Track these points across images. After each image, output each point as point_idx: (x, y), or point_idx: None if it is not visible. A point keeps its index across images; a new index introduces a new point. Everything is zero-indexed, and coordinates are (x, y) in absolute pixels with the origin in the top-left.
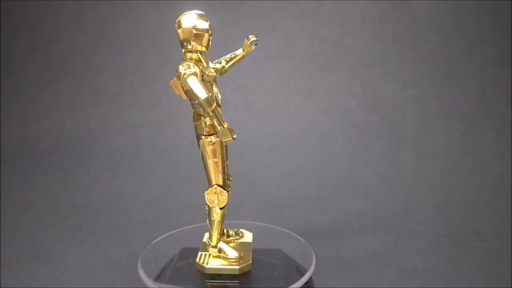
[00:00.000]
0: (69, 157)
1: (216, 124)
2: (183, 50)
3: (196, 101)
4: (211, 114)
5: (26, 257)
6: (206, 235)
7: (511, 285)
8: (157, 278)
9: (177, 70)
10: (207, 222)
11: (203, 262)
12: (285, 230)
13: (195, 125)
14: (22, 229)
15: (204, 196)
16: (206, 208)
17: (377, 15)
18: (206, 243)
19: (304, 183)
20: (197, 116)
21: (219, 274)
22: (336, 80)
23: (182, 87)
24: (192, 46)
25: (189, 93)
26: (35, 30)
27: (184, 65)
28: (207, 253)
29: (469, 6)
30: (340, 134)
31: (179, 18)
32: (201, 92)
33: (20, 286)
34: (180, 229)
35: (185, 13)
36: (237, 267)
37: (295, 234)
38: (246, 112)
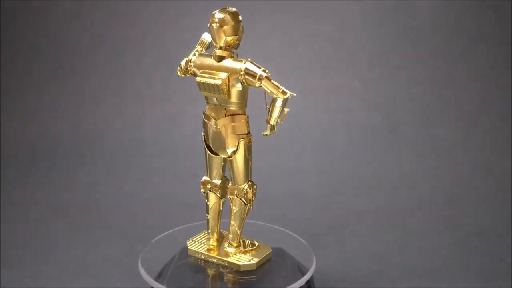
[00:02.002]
0: (70, 156)
1: (278, 119)
2: (222, 47)
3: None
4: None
5: (26, 256)
6: (201, 238)
7: None
8: (158, 277)
9: (247, 70)
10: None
11: (246, 261)
12: (286, 231)
13: (232, 125)
14: (22, 228)
15: (238, 197)
16: (234, 209)
17: (378, 14)
18: (224, 246)
19: (304, 182)
20: (237, 116)
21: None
22: (337, 79)
23: (228, 86)
24: (234, 44)
25: (240, 92)
26: (35, 29)
27: (252, 64)
28: (234, 253)
29: (470, 5)
30: (340, 133)
31: (224, 15)
32: (285, 89)
33: (21, 285)
34: (180, 227)
35: (226, 9)
36: (270, 250)
37: (295, 235)
38: (246, 112)
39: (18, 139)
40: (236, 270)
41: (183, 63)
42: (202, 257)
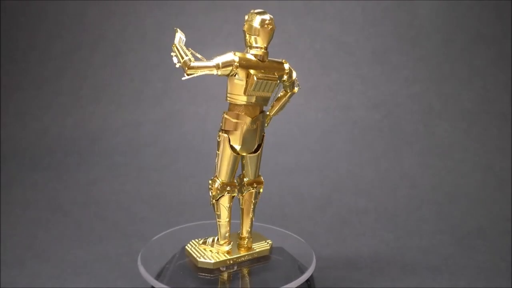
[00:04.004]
0: (70, 155)
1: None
2: (265, 47)
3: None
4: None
5: (26, 255)
6: (205, 250)
7: None
8: (158, 276)
9: (290, 69)
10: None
11: (268, 245)
12: (285, 231)
13: (261, 122)
14: (22, 227)
15: (256, 189)
16: (254, 201)
17: (379, 12)
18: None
19: (305, 181)
20: (264, 113)
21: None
22: (337, 78)
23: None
24: None
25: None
26: (35, 28)
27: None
28: (252, 244)
29: (471, 4)
30: (341, 132)
31: (272, 18)
32: None
33: (21, 285)
34: (180, 226)
35: (264, 11)
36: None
37: (295, 235)
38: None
39: (18, 139)
40: (243, 264)
41: (220, 62)
42: (231, 262)
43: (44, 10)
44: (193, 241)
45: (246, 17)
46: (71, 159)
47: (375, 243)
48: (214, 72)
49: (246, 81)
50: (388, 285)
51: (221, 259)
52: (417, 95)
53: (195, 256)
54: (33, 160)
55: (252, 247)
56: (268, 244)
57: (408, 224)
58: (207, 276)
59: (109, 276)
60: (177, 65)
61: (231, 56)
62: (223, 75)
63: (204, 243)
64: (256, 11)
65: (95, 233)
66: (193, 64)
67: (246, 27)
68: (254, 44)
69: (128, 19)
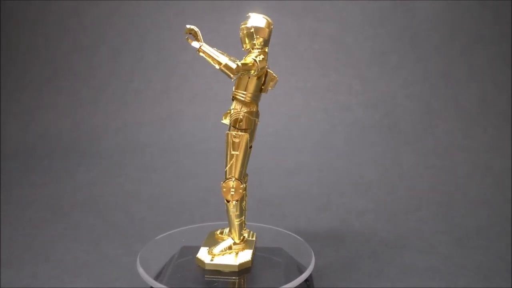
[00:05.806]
0: (69, 156)
1: None
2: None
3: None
4: None
5: (26, 255)
6: (222, 253)
7: (511, 284)
8: (157, 276)
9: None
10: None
11: (253, 235)
12: (285, 231)
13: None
14: (22, 228)
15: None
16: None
17: (377, 13)
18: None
19: (304, 181)
20: None
21: (218, 271)
22: (336, 78)
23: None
24: None
25: None
26: (35, 29)
27: None
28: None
29: (469, 4)
30: (340, 132)
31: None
32: None
33: (20, 285)
34: (180, 228)
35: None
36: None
37: (294, 234)
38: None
39: (18, 139)
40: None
41: (258, 63)
42: (253, 255)
43: (44, 11)
44: (200, 256)
45: (254, 20)
46: (70, 159)
47: (374, 243)
48: (252, 72)
49: (264, 80)
50: (387, 285)
51: (249, 255)
52: (416, 95)
53: (228, 263)
54: (33, 160)
55: (247, 238)
56: (251, 231)
57: (407, 224)
58: (211, 278)
59: (108, 277)
60: (217, 67)
61: (262, 57)
62: (256, 75)
63: (220, 250)
64: (262, 15)
65: (95, 233)
66: (239, 63)
67: (253, 29)
68: (258, 45)
69: (127, 20)
